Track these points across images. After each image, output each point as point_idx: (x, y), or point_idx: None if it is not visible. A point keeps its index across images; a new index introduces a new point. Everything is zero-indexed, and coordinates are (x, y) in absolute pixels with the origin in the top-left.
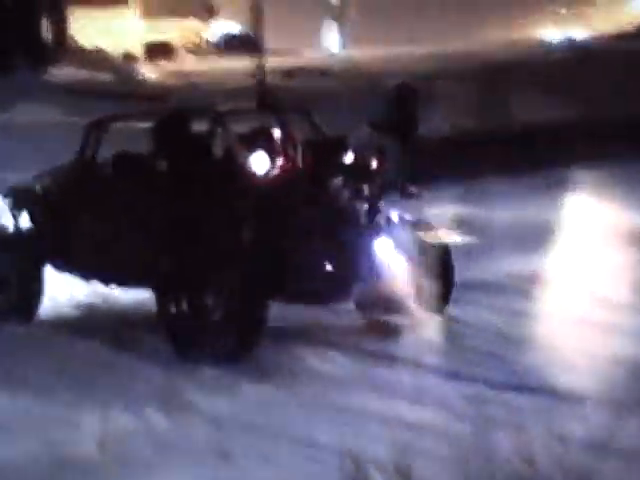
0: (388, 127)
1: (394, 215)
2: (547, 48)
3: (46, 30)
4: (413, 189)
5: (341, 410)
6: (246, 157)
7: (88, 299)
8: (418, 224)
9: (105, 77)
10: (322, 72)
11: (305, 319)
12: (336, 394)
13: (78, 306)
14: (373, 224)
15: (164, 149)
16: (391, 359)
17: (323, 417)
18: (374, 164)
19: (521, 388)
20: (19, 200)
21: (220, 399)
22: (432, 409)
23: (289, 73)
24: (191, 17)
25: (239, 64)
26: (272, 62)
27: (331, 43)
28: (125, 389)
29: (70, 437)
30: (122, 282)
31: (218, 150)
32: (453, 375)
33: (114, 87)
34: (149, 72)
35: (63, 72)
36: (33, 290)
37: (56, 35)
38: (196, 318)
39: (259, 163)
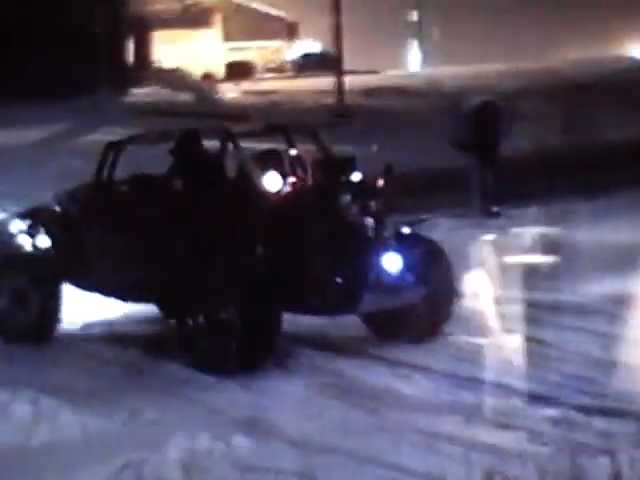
0: (469, 146)
1: (403, 230)
2: (633, 66)
3: (128, 51)
4: (495, 208)
5: (425, 433)
6: (258, 176)
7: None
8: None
9: (185, 97)
10: (402, 91)
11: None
12: (420, 417)
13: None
14: (381, 239)
15: (180, 168)
16: (474, 381)
17: (407, 440)
18: (380, 182)
19: (610, 412)
20: (38, 219)
21: (304, 421)
22: (518, 433)
23: (369, 92)
24: (271, 38)
25: (319, 83)
26: (352, 81)
27: (411, 61)
28: (206, 408)
29: (155, 458)
30: (139, 299)
31: (231, 169)
32: (539, 398)
33: (194, 107)
34: (229, 91)
35: (144, 92)
36: (51, 309)
37: (138, 56)
38: (213, 332)
39: (271, 182)
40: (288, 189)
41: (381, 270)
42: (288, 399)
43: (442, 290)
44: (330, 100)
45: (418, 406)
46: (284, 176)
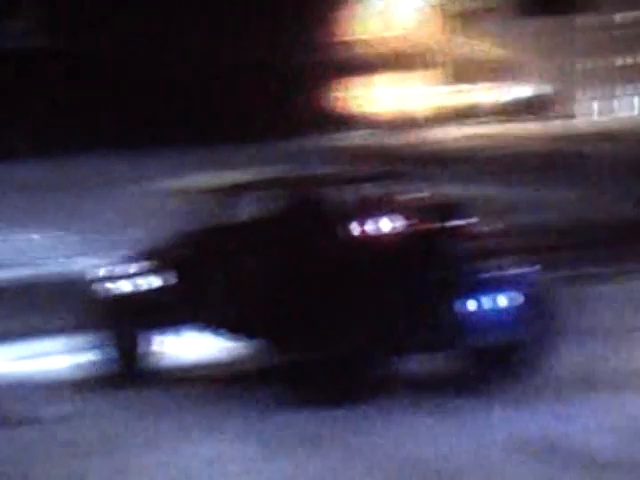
0: None
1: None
2: None
3: (338, 95)
4: None
5: None
6: (366, 220)
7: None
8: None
9: (395, 140)
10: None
11: None
12: None
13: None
14: (486, 281)
15: (288, 214)
16: None
17: None
18: (484, 229)
19: None
20: (154, 261)
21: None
22: None
23: (603, 136)
24: (492, 80)
25: (533, 128)
26: (570, 125)
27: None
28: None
29: None
30: (252, 335)
31: (338, 214)
32: None
33: (402, 150)
34: (450, 134)
35: (354, 136)
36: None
37: (348, 100)
38: (331, 366)
39: (379, 226)
40: (395, 233)
41: (487, 311)
42: None
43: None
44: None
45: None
46: (391, 220)
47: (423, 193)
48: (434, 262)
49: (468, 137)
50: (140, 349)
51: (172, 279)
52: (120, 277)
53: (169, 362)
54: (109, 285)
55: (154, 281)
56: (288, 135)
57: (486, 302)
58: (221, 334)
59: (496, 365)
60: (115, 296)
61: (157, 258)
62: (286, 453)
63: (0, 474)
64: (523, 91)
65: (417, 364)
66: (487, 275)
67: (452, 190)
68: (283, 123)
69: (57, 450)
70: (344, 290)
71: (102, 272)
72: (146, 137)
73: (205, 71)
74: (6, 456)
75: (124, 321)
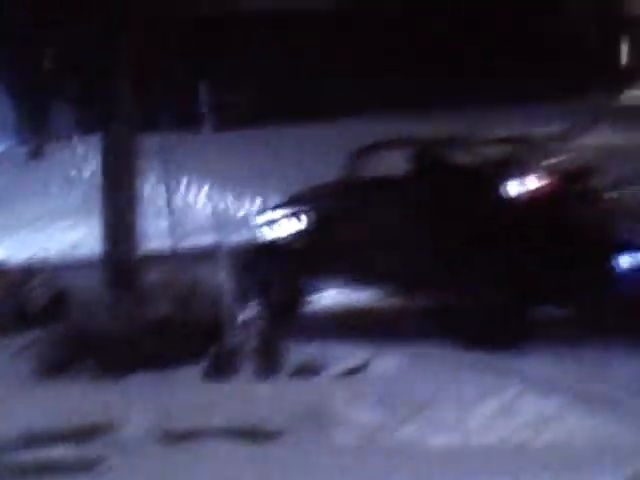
0: None
1: None
2: None
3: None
4: None
5: None
6: (512, 180)
7: None
8: None
9: None
10: None
11: None
12: None
13: None
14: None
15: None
16: None
17: None
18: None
19: None
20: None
21: None
22: None
23: None
24: None
25: None
26: None
27: None
28: None
29: None
30: (389, 285)
31: (477, 175)
32: None
33: None
34: None
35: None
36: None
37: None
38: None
39: (519, 187)
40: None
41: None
42: None
43: None
44: None
45: None
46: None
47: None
48: (578, 221)
49: None
50: (289, 296)
51: (320, 229)
52: (269, 224)
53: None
54: (262, 232)
55: (300, 229)
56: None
57: (631, 260)
58: (362, 284)
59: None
60: (264, 243)
61: (305, 208)
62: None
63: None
64: None
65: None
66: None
67: None
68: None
69: None
70: (492, 245)
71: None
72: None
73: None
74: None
75: (273, 268)
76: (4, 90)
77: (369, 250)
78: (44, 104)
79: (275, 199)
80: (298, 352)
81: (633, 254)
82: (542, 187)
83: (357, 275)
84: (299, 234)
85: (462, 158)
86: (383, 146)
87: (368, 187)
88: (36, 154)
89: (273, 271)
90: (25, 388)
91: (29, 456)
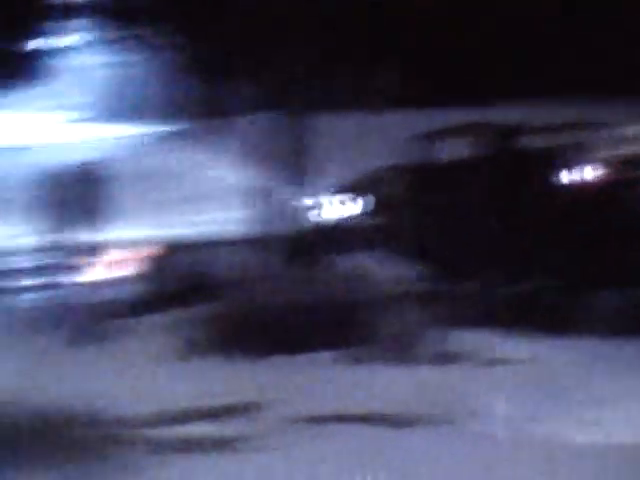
0: None
1: None
2: None
3: None
4: None
5: None
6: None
7: None
8: None
9: None
10: None
11: None
12: None
13: None
14: None
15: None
16: None
17: None
18: None
19: None
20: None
21: None
22: None
23: None
24: None
25: None
26: None
27: None
28: None
29: None
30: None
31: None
32: None
33: None
34: None
35: None
36: None
37: None
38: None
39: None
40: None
41: None
42: None
43: None
44: None
45: None
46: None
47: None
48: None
49: None
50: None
51: (373, 210)
52: (323, 206)
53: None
54: (314, 213)
55: (354, 211)
56: None
57: None
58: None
59: None
60: (318, 224)
61: (360, 190)
62: None
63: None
64: None
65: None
66: None
67: None
68: None
69: None
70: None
71: (309, 201)
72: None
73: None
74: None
75: (324, 248)
76: (179, 68)
77: (436, 235)
78: (217, 83)
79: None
80: (439, 339)
81: None
82: (608, 174)
83: (419, 259)
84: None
85: (532, 144)
86: (453, 131)
87: (439, 171)
88: (207, 133)
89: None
90: (171, 366)
91: (172, 432)
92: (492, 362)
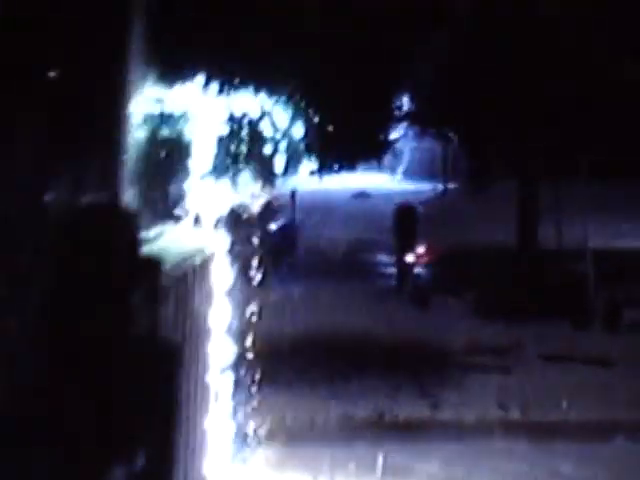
0: None
1: None
2: None
3: None
4: None
5: None
6: None
7: None
8: None
9: None
10: None
11: None
12: None
13: None
14: None
15: None
16: None
17: None
18: None
19: None
20: None
21: None
22: None
23: None
24: None
25: None
26: None
27: None
28: None
29: None
30: None
31: None
32: None
33: None
34: None
35: None
36: None
37: None
38: None
39: None
40: None
41: None
42: None
43: None
44: None
45: None
46: None
47: None
48: None
49: None
50: None
51: None
52: None
53: None
54: None
55: None
56: None
57: None
58: None
59: None
60: None
61: None
62: None
63: None
64: None
65: None
66: None
67: None
68: None
69: None
70: None
71: None
72: None
73: None
74: None
75: None
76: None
77: None
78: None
79: None
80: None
81: None
82: None
83: None
84: None
85: None
86: None
87: None
88: (479, 191)
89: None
90: (466, 321)
91: (472, 360)
92: None
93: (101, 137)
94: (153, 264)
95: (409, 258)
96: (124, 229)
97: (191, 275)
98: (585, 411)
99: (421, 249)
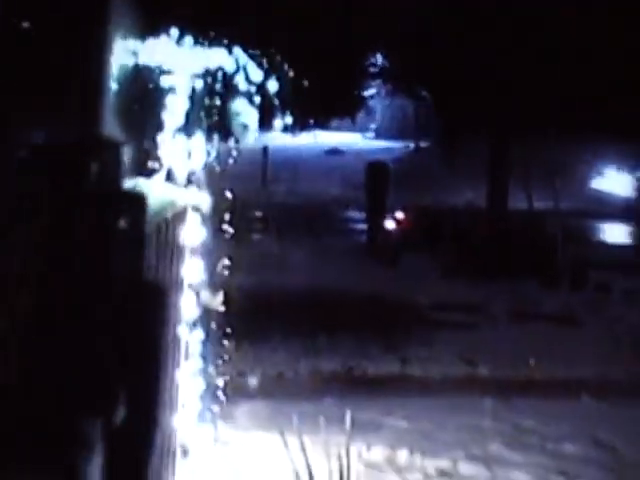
0: None
1: None
2: None
3: None
4: None
5: None
6: None
7: None
8: None
9: None
10: None
11: None
12: None
13: None
14: None
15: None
16: None
17: None
18: None
19: None
20: None
21: None
22: None
23: None
24: None
25: None
26: None
27: None
28: None
29: None
30: None
31: None
32: None
33: None
34: None
35: None
36: None
37: None
38: None
39: None
40: None
41: None
42: None
43: None
44: None
45: None
46: None
47: None
48: None
49: None
50: None
51: None
52: None
53: None
54: None
55: None
56: None
57: None
58: None
59: None
60: None
61: None
62: None
63: None
64: None
65: None
66: None
67: None
68: None
69: None
70: None
71: None
72: None
73: None
74: None
75: None
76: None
77: None
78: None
79: None
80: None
81: None
82: None
83: None
84: None
85: None
86: None
87: None
88: (451, 150)
89: None
90: (438, 280)
91: (441, 316)
92: None
93: (83, 78)
94: (138, 197)
95: (380, 216)
96: (111, 161)
97: (164, 227)
98: (551, 368)
99: (392, 207)
